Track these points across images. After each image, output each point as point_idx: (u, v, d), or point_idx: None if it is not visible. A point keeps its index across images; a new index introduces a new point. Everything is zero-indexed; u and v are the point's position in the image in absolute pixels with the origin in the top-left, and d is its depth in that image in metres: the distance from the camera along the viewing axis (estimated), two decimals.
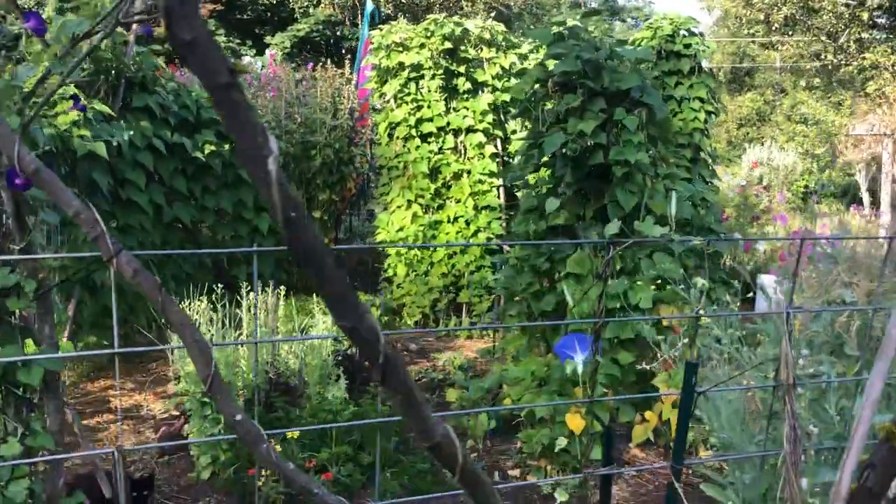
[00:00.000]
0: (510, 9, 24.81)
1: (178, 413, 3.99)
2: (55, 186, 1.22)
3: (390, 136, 6.88)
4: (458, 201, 6.72)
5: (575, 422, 3.71)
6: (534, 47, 6.70)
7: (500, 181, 6.70)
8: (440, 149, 6.77)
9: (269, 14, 23.92)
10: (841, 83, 22.13)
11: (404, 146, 6.80)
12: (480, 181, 6.66)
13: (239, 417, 1.44)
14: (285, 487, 3.15)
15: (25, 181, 2.15)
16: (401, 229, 6.68)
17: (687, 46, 6.48)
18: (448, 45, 6.56)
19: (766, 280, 6.68)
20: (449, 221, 6.68)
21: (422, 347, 6.11)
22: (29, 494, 2.33)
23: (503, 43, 6.84)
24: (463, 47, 6.69)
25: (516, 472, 3.86)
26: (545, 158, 4.28)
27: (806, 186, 16.15)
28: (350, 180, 7.06)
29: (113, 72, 5.03)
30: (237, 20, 22.99)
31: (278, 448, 3.32)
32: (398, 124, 6.80)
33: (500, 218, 6.65)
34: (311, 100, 6.79)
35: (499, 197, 6.73)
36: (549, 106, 4.28)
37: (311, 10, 22.00)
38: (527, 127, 6.00)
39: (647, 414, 3.97)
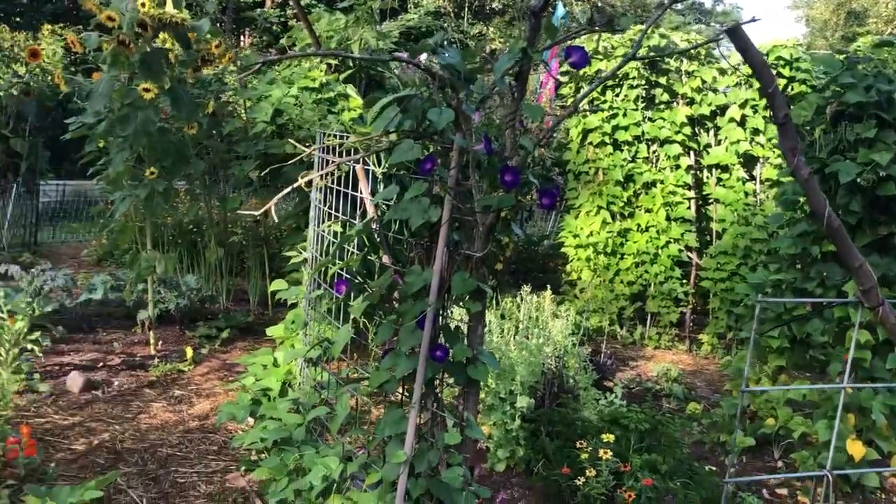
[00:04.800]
0: (614, 7, 24.69)
1: None
2: (843, 239, 1.36)
3: (582, 141, 7.00)
4: (648, 210, 6.80)
5: (856, 448, 3.79)
6: (739, 63, 6.72)
7: (692, 193, 6.76)
8: (633, 157, 6.86)
9: None
10: None
11: (595, 152, 6.91)
12: (673, 192, 6.73)
13: None
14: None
15: (513, 179, 2.31)
16: (591, 234, 6.80)
17: None
18: (652, 55, 6.63)
19: None
20: (639, 230, 6.77)
21: (612, 353, 6.22)
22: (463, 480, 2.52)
23: (704, 56, 6.88)
24: (665, 59, 6.75)
25: (784, 491, 3.95)
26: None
27: None
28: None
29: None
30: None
31: (584, 446, 3.47)
32: (591, 130, 6.91)
33: (692, 230, 6.71)
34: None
35: (690, 209, 6.78)
36: (818, 133, 4.34)
37: (423, 1, 22.16)
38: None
39: None
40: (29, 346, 4.02)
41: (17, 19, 17.21)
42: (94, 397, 4.39)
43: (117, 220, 4.87)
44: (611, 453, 3.38)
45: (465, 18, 23.36)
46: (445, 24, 23.07)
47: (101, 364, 4.92)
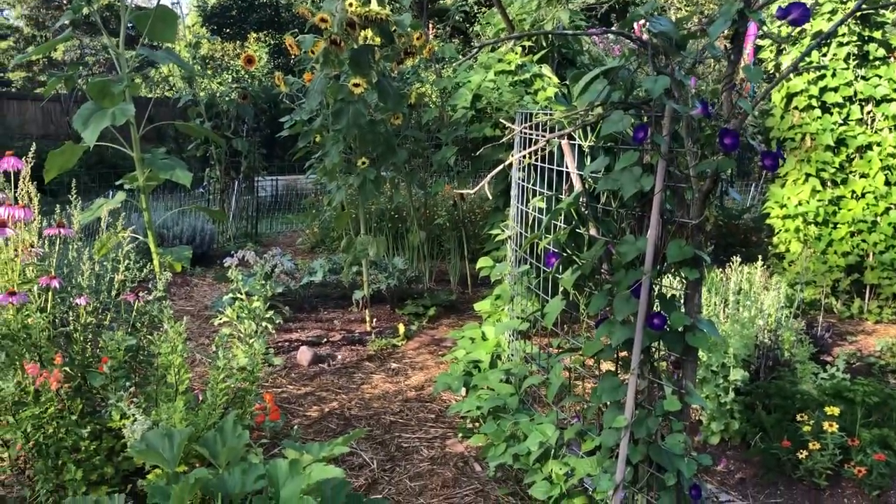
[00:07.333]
0: None
1: None
2: None
3: (786, 106, 6.64)
4: (863, 176, 6.34)
5: None
6: None
7: None
8: (845, 120, 6.42)
9: None
10: None
11: (801, 117, 6.53)
12: (892, 154, 6.23)
13: None
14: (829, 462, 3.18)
15: (733, 142, 2.27)
16: (799, 204, 6.45)
17: None
18: (864, 7, 6.16)
19: None
20: (853, 197, 6.34)
21: (828, 327, 5.88)
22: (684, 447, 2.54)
23: None
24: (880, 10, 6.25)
25: None
26: None
27: None
28: None
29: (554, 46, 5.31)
30: None
31: (806, 420, 3.35)
32: (796, 94, 6.54)
33: None
34: (707, 70, 6.72)
35: None
36: None
37: None
38: None
39: None
40: (264, 324, 4.46)
41: (228, 30, 18.79)
42: (321, 370, 4.80)
43: (334, 208, 5.25)
44: (836, 427, 3.24)
45: None
46: None
47: (324, 340, 5.36)
